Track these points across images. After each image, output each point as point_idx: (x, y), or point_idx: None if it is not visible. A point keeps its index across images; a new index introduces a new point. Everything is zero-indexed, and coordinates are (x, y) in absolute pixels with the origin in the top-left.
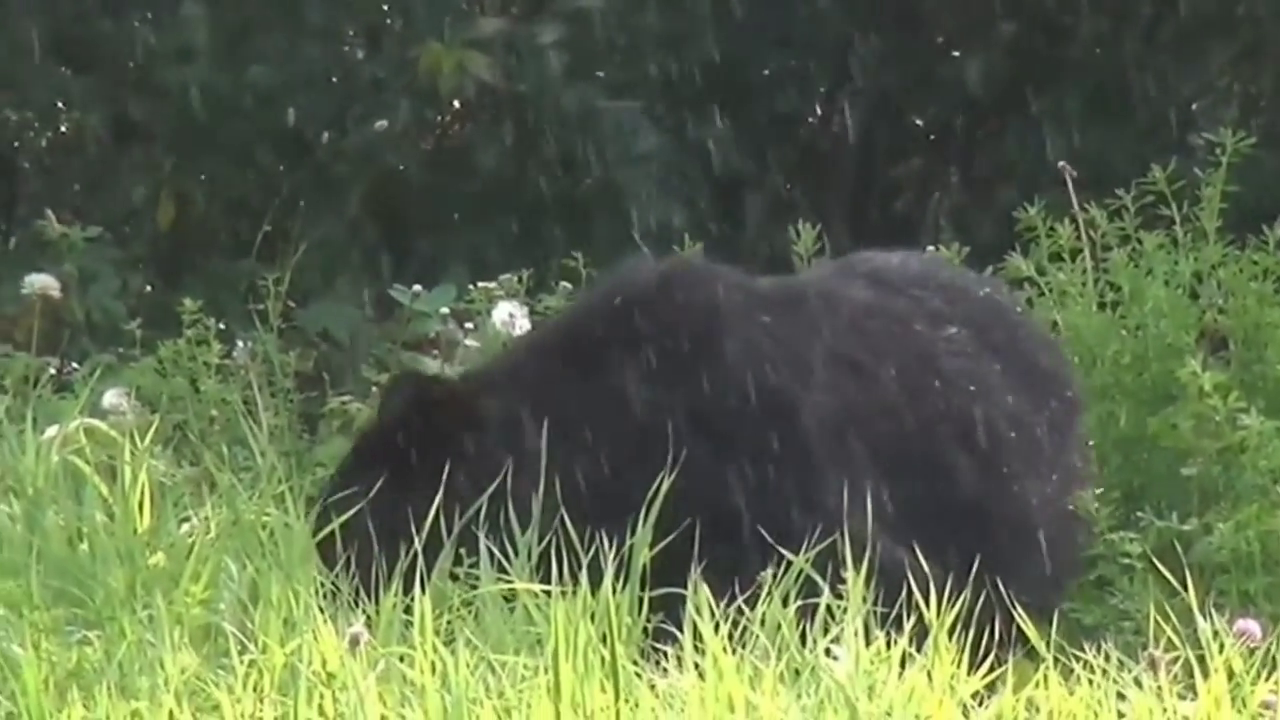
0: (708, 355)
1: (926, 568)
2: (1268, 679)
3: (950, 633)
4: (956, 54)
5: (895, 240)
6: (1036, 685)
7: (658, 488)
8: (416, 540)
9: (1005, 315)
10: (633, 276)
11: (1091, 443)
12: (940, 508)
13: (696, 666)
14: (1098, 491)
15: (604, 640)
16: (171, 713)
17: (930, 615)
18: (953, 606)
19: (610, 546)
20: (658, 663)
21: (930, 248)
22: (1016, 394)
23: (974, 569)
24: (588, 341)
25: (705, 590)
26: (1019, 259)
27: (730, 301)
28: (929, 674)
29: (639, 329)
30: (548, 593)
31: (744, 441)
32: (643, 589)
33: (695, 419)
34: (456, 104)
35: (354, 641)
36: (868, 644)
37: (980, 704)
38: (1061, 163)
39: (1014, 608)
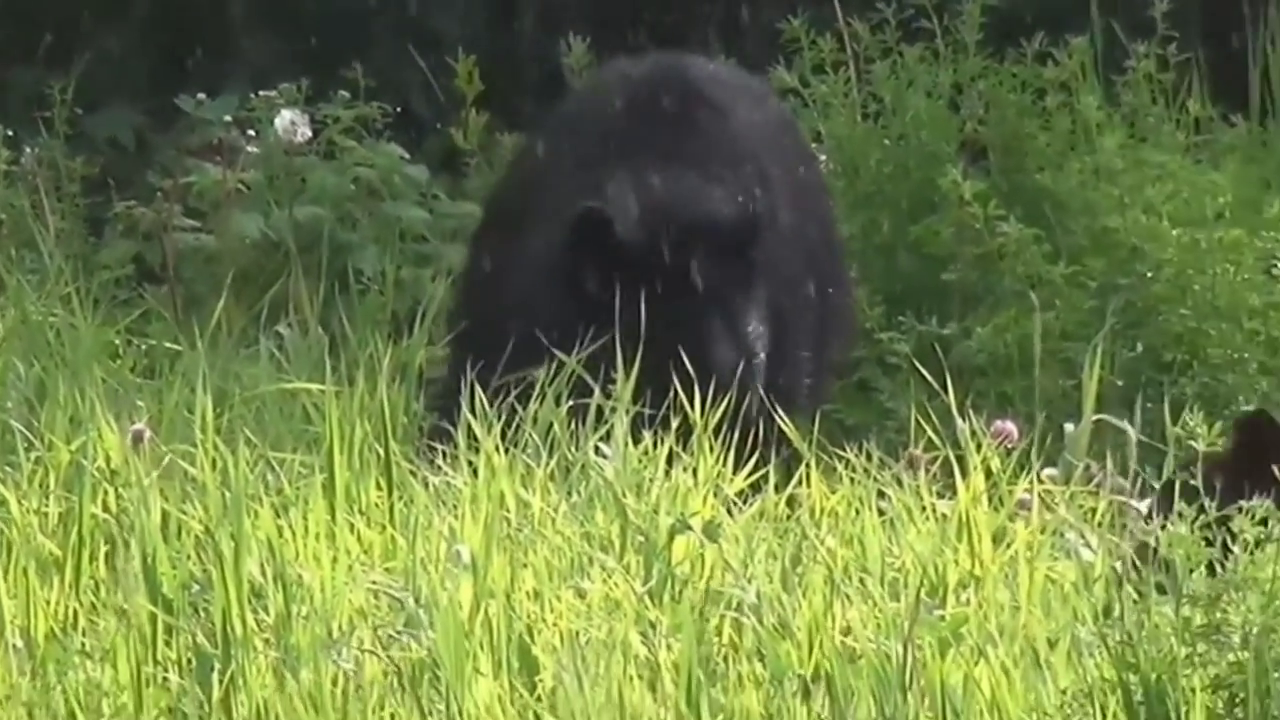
0: None
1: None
2: (1024, 478)
3: (715, 433)
4: None
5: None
6: (799, 483)
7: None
8: None
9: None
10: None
11: (855, 249)
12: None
13: (470, 464)
14: (861, 297)
15: (379, 438)
16: None
17: (695, 416)
18: (717, 408)
19: None
20: (432, 461)
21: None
22: (807, 202)
23: (738, 370)
24: None
25: (480, 391)
26: (784, 71)
27: None
28: (694, 472)
29: None
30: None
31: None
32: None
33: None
34: None
35: (137, 439)
36: (636, 443)
37: (744, 502)
38: None
39: (775, 408)
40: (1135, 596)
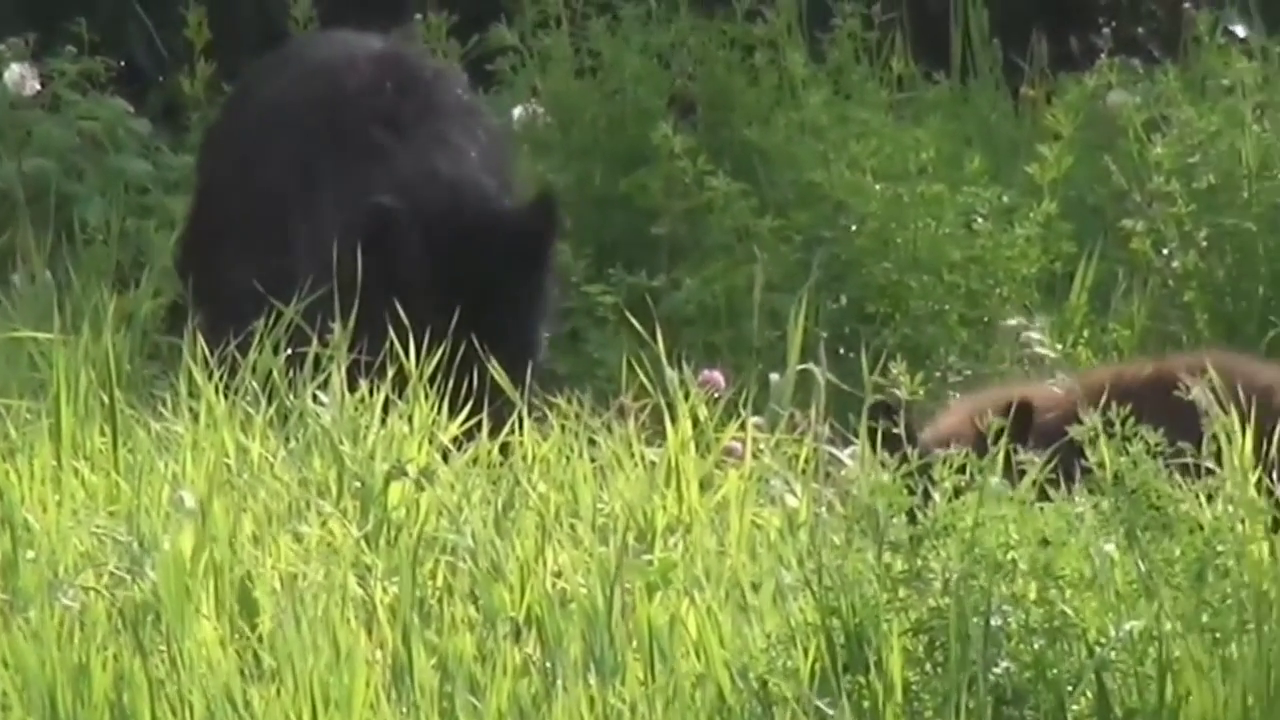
0: None
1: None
2: (732, 427)
3: (431, 381)
4: None
5: (383, 9)
6: (511, 431)
7: None
8: None
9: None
10: None
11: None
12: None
13: (191, 411)
14: (573, 249)
15: (104, 386)
16: None
17: (410, 365)
18: (432, 357)
19: None
20: (155, 408)
21: (419, 16)
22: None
23: (454, 322)
24: None
25: (200, 340)
26: (504, 28)
27: None
28: (410, 420)
29: None
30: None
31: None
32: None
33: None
34: None
35: None
36: (352, 391)
37: (459, 448)
38: None
39: (489, 359)
40: (838, 543)
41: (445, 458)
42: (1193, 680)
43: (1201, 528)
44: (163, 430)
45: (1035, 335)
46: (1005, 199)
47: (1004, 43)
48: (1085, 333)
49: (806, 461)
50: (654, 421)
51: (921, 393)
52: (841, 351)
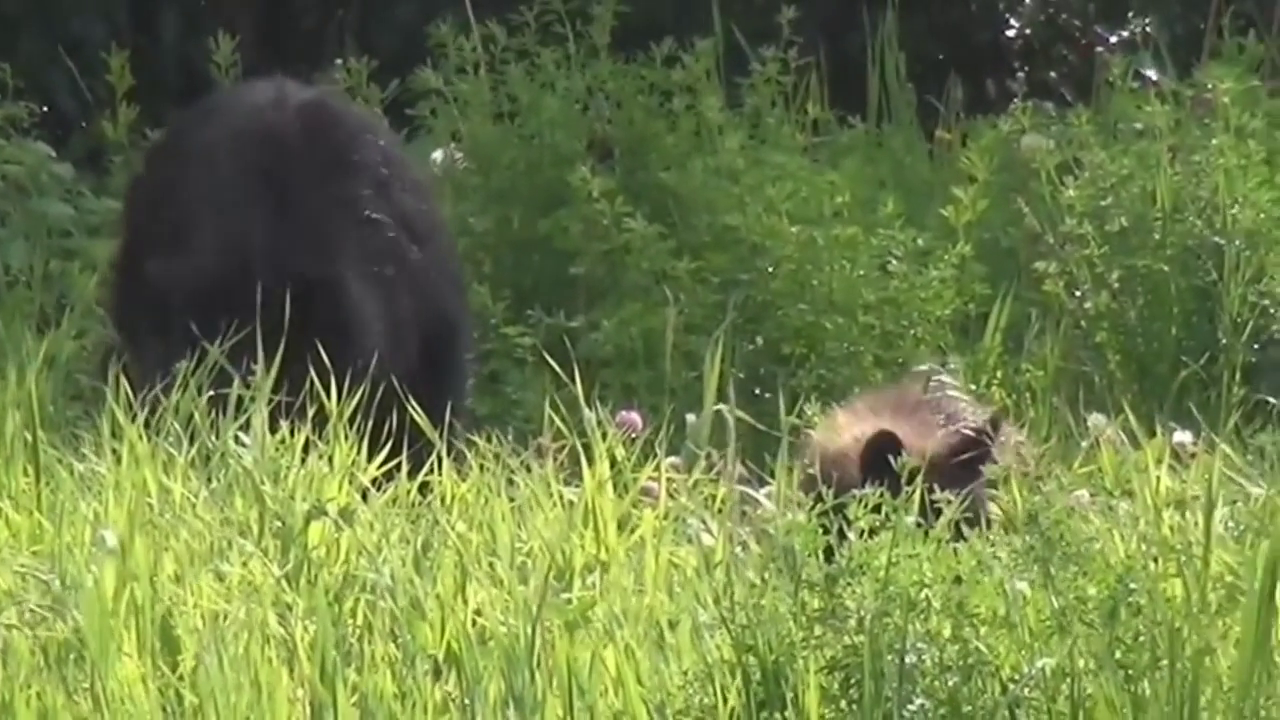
0: None
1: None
2: (649, 467)
3: (350, 422)
4: None
5: (304, 55)
6: (431, 471)
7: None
8: None
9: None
10: None
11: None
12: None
13: (114, 452)
14: (492, 290)
15: (28, 427)
16: None
17: (330, 406)
18: (352, 398)
19: None
20: (77, 449)
21: (338, 61)
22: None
23: (371, 364)
24: None
25: (125, 381)
26: (429, 72)
27: None
28: (330, 460)
29: None
30: None
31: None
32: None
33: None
34: None
35: None
36: (274, 432)
37: (379, 489)
38: None
39: (408, 400)
40: (754, 581)
41: (365, 497)
42: (1105, 717)
43: (1114, 565)
44: (85, 470)
45: (945, 378)
46: (920, 241)
47: (919, 87)
48: (999, 373)
49: (722, 501)
50: (572, 462)
51: None
52: (757, 392)
